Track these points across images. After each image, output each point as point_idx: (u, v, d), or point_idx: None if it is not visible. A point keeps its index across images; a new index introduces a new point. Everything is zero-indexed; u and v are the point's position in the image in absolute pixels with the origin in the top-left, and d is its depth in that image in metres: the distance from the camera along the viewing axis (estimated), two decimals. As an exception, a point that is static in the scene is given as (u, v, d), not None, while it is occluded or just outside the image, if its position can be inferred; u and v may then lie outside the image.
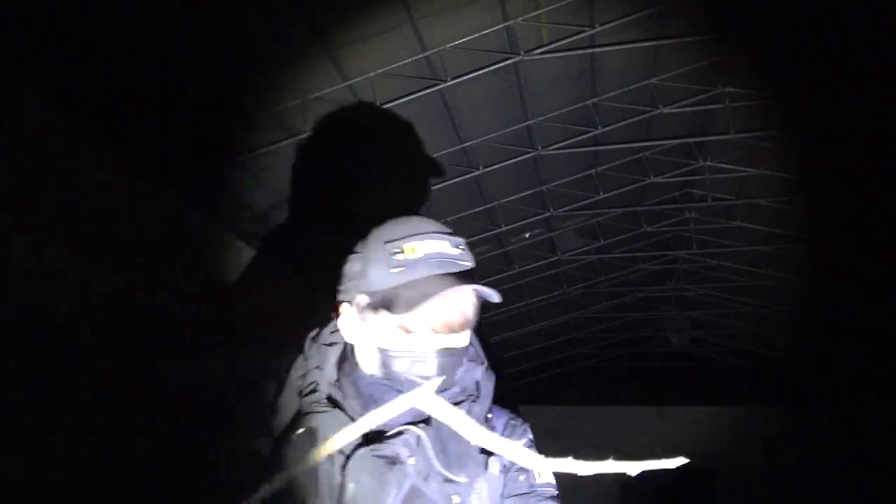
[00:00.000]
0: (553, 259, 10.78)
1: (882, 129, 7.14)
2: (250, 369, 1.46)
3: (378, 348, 1.22)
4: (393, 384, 1.20)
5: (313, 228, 7.86)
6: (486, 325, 12.80)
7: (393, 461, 1.16)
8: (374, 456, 1.16)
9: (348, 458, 1.14)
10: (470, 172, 8.04)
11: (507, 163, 8.10)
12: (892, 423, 11.96)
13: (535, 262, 10.74)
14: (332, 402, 1.23)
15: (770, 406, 13.93)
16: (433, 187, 8.01)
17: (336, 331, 1.33)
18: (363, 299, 1.22)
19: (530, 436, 1.41)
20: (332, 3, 5.58)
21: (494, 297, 1.22)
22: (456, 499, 1.20)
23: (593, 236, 10.56)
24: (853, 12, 5.97)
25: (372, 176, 7.62)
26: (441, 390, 1.13)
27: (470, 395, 1.29)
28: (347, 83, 6.29)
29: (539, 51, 6.62)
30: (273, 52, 5.81)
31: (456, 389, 1.25)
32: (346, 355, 1.29)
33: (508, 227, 9.47)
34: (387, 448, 1.17)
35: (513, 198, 8.97)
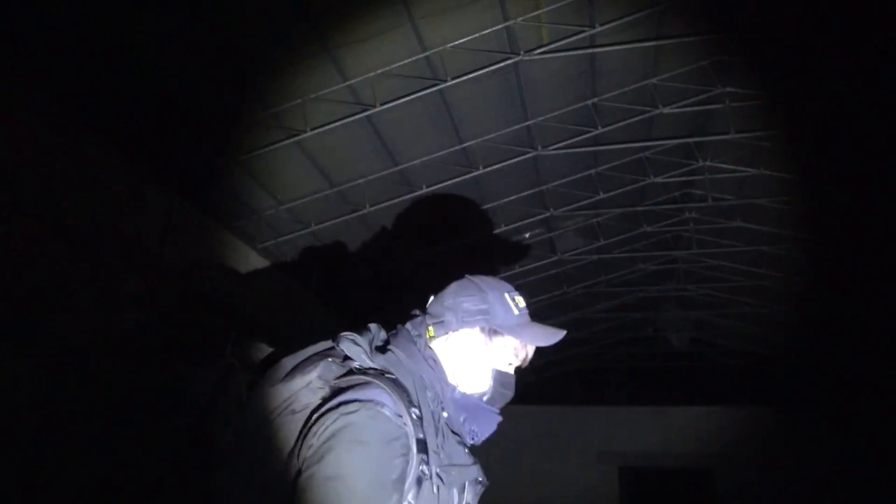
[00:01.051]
0: (553, 259, 10.78)
1: (882, 129, 7.14)
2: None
3: (493, 368, 1.58)
4: (486, 403, 1.56)
5: (312, 228, 7.88)
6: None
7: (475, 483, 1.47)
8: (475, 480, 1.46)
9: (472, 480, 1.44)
10: (470, 172, 8.04)
11: (507, 163, 8.10)
12: (892, 424, 11.96)
13: (535, 262, 10.74)
14: (457, 434, 1.48)
15: (770, 406, 13.93)
16: (433, 187, 8.02)
17: (431, 359, 1.54)
18: (495, 328, 1.58)
19: None
20: (332, 3, 5.58)
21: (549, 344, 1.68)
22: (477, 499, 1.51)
23: (593, 236, 10.56)
24: (853, 12, 5.97)
25: (372, 176, 7.63)
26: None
27: None
28: (347, 83, 6.29)
29: (539, 51, 6.62)
30: (273, 52, 5.81)
31: None
32: (440, 374, 1.53)
33: (508, 227, 9.47)
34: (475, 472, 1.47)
35: (513, 198, 8.97)
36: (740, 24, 6.79)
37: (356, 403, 1.26)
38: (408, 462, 1.27)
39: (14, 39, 4.48)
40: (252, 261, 7.62)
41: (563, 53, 6.71)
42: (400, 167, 7.60)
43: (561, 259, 10.83)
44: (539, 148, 8.03)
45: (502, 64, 6.62)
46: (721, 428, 13.84)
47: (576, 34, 6.53)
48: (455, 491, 1.38)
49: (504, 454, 14.28)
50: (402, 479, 1.25)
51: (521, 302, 1.64)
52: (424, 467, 1.29)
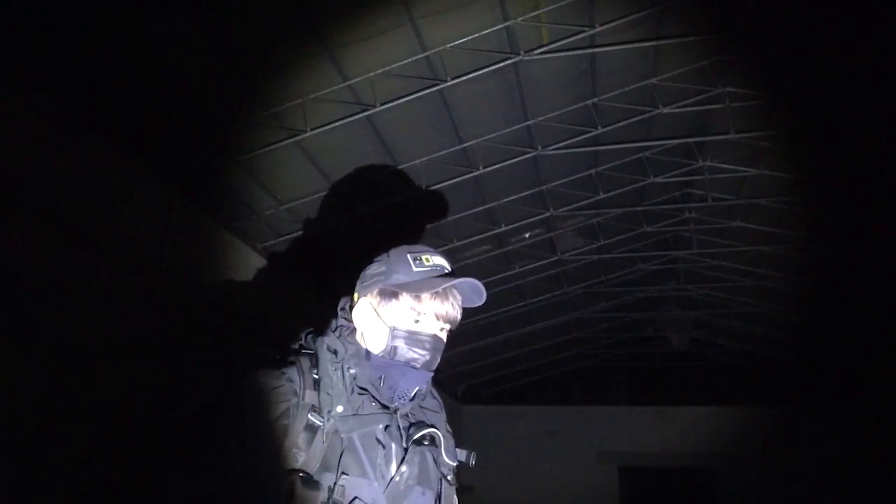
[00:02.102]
0: (553, 259, 10.78)
1: (882, 129, 7.14)
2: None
3: (391, 327, 1.59)
4: (398, 361, 1.57)
5: (312, 228, 7.87)
6: (486, 325, 12.78)
7: (424, 453, 1.57)
8: (415, 451, 1.55)
9: (404, 453, 1.52)
10: (470, 172, 8.04)
11: (507, 163, 8.09)
12: (892, 424, 11.97)
13: (535, 262, 10.74)
14: (364, 390, 1.56)
15: (770, 406, 13.93)
16: (433, 187, 8.02)
17: (341, 327, 1.65)
18: (388, 288, 1.61)
19: None
20: (332, 3, 5.58)
21: (481, 298, 1.65)
22: (449, 476, 1.63)
23: (593, 236, 10.56)
24: (853, 12, 5.97)
25: (371, 177, 7.63)
26: (428, 371, 1.60)
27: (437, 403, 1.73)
28: (347, 83, 6.29)
29: (539, 51, 6.62)
30: (273, 52, 5.81)
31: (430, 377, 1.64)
32: (357, 344, 1.62)
33: (508, 227, 9.47)
34: (424, 445, 1.57)
35: (513, 198, 8.97)
36: (740, 24, 6.79)
37: (247, 375, 1.49)
38: (289, 408, 1.44)
39: (14, 39, 4.49)
40: (252, 261, 7.62)
41: (563, 53, 6.71)
42: (400, 167, 7.60)
43: (561, 259, 10.83)
44: (539, 148, 8.03)
45: (502, 64, 6.61)
46: (721, 428, 13.85)
47: (576, 34, 6.53)
48: (381, 456, 1.49)
49: (504, 454, 14.28)
50: (283, 418, 1.43)
51: (431, 260, 1.64)
52: (313, 417, 1.45)
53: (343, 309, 1.69)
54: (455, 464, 1.65)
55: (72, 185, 5.08)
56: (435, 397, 1.73)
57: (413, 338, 1.58)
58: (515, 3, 6.14)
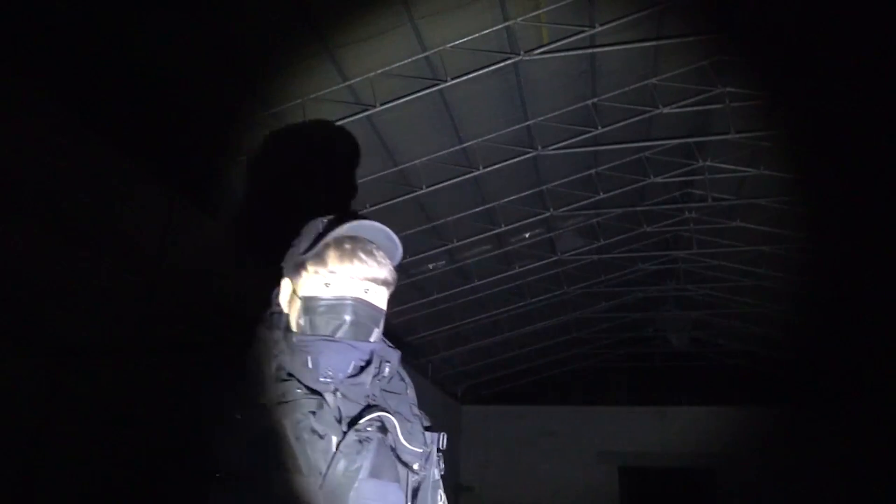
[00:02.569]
0: (553, 259, 10.78)
1: (882, 129, 7.14)
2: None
3: (301, 297, 1.44)
4: (318, 336, 1.40)
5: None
6: (486, 325, 12.79)
7: (370, 440, 1.36)
8: (357, 437, 1.35)
9: (341, 440, 1.33)
10: (470, 172, 8.04)
11: (507, 163, 8.10)
12: (892, 424, 11.97)
13: (535, 262, 10.74)
14: (291, 376, 1.40)
15: (770, 406, 13.94)
16: (433, 187, 8.02)
17: (273, 315, 1.51)
18: (297, 260, 1.47)
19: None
20: (332, 3, 5.58)
21: (395, 245, 1.47)
22: (415, 465, 1.44)
23: (593, 236, 10.56)
24: (853, 12, 5.97)
25: (371, 176, 7.63)
26: (357, 341, 1.40)
27: (402, 382, 1.54)
28: (347, 83, 6.29)
29: (539, 51, 6.62)
30: (273, 52, 5.81)
31: (377, 346, 1.45)
32: (285, 330, 1.48)
33: (508, 227, 9.48)
34: (367, 432, 1.36)
35: (513, 198, 8.98)
36: (740, 24, 6.79)
37: (208, 377, 1.47)
38: (225, 405, 1.38)
39: (14, 39, 4.49)
40: (249, 259, 7.61)
41: (563, 53, 6.72)
42: (400, 167, 7.60)
43: (561, 259, 10.83)
44: (539, 148, 8.03)
45: (502, 64, 6.62)
46: (721, 428, 13.86)
47: (576, 34, 6.54)
48: (319, 448, 1.32)
49: (504, 454, 14.30)
50: (221, 419, 1.36)
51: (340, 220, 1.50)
52: (237, 413, 1.34)
53: (276, 296, 1.55)
54: (421, 450, 1.45)
55: (72, 185, 5.08)
56: (402, 379, 1.55)
57: (326, 305, 1.42)
58: (515, 3, 6.15)
